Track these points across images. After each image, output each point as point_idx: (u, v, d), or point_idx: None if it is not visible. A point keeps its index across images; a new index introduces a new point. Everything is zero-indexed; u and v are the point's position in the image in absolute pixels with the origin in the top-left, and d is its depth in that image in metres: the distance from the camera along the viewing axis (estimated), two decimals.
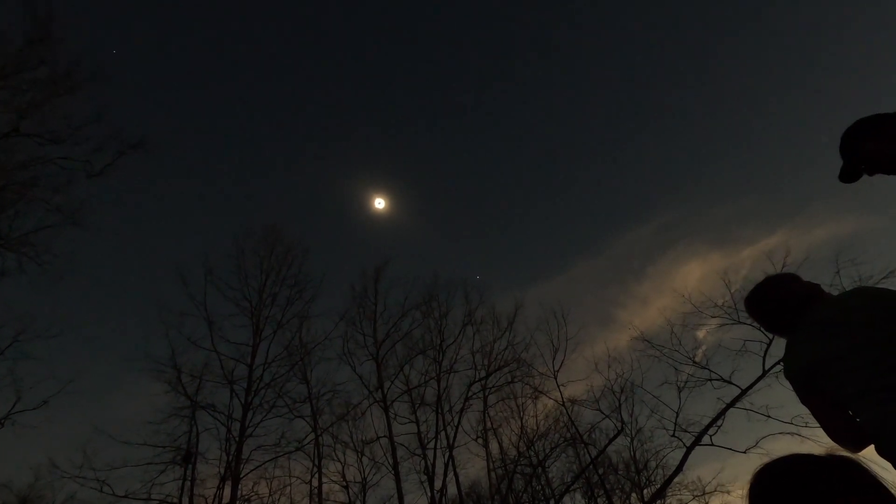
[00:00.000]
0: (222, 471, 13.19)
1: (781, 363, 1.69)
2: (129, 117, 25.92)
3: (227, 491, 12.77)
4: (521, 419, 17.05)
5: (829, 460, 0.72)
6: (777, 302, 1.72)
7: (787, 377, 1.65)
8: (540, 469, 16.37)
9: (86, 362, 25.80)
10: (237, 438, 13.29)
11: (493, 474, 16.37)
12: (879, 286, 1.55)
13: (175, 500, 12.64)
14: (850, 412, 1.42)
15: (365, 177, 31.65)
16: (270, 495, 14.52)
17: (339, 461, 16.16)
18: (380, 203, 23.09)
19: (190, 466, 13.06)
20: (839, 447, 1.42)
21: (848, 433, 1.41)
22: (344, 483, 15.88)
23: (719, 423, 12.67)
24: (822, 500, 0.67)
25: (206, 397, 14.03)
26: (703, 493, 14.24)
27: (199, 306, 14.74)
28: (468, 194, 35.55)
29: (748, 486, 0.76)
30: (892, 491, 0.68)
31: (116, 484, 12.09)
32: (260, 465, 13.77)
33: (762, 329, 1.80)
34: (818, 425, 1.54)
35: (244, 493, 13.35)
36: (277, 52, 33.59)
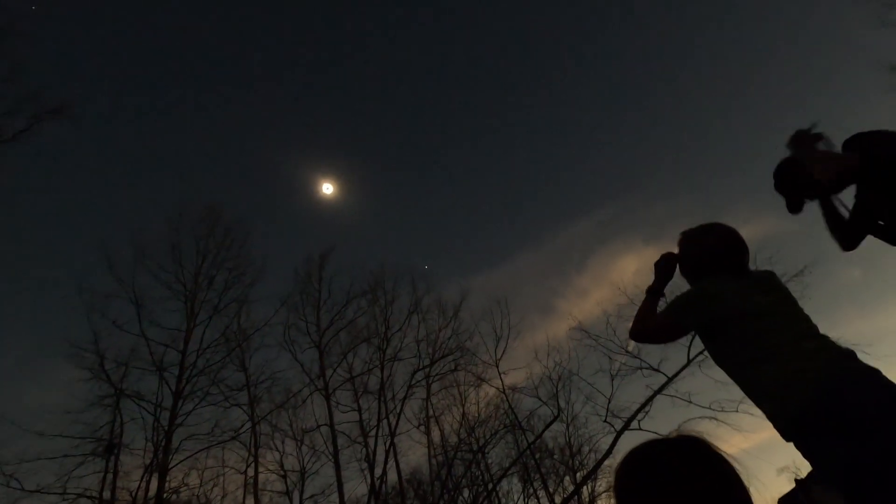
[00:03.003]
0: (148, 462, 12.50)
1: (702, 291, 1.73)
2: (49, 81, 23.46)
3: (155, 483, 12.13)
4: (463, 406, 17.37)
5: (676, 442, 0.78)
6: (720, 243, 1.84)
7: (699, 292, 1.72)
8: (479, 455, 16.76)
9: None
10: (166, 428, 12.61)
11: (433, 461, 16.60)
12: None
13: (95, 495, 11.84)
14: (755, 362, 1.56)
15: (313, 160, 30.66)
16: (201, 486, 13.96)
17: (278, 450, 15.79)
18: (328, 188, 22.48)
19: (112, 458, 12.26)
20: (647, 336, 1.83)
21: (660, 332, 1.80)
22: (282, 472, 15.55)
23: (647, 409, 13.52)
24: (672, 480, 0.73)
25: (133, 385, 13.19)
26: None
27: (127, 288, 13.78)
28: (417, 184, 35.41)
29: (615, 474, 0.81)
30: (734, 464, 0.75)
31: (26, 478, 11.06)
32: (191, 455, 13.16)
33: (685, 262, 1.94)
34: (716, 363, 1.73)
35: (173, 484, 12.73)
36: (221, 23, 31.68)
